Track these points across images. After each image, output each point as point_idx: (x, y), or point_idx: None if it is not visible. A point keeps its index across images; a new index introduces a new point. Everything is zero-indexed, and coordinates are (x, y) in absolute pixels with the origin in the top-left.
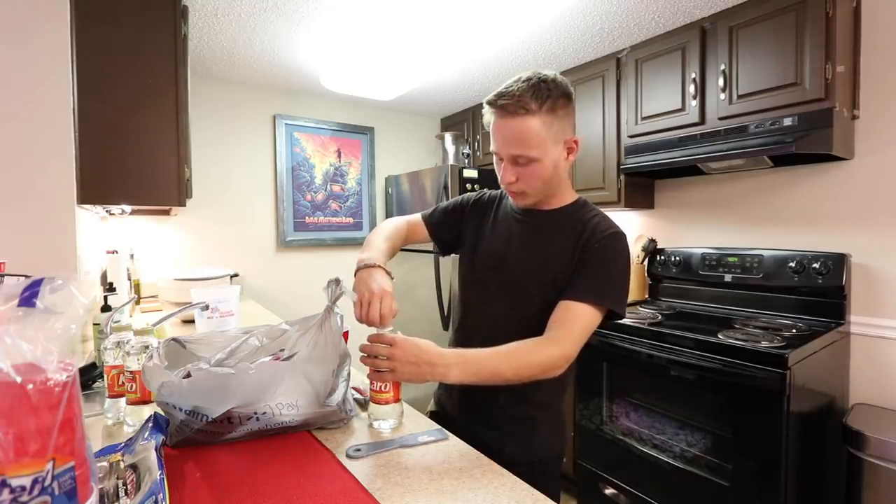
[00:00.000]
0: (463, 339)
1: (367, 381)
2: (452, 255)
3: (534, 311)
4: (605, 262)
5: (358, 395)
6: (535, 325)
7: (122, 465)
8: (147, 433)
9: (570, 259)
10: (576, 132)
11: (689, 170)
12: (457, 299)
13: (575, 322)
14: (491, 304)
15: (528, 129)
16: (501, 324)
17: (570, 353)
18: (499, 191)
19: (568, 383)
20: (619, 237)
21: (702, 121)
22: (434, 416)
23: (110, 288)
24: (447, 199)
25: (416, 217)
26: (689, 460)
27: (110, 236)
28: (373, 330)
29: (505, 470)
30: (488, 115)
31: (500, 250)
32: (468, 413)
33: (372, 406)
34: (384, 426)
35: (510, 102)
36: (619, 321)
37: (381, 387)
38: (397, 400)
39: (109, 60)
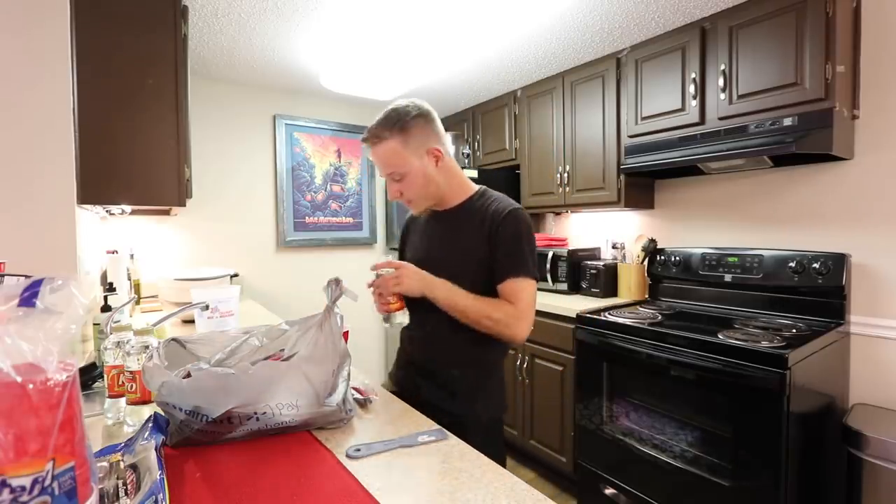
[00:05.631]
0: (412, 329)
1: (368, 381)
2: None
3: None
4: (513, 239)
5: (358, 395)
6: None
7: (122, 465)
8: (147, 433)
9: (483, 246)
10: (442, 142)
11: (689, 170)
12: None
13: (518, 295)
14: (428, 299)
15: (387, 151)
16: (438, 314)
17: (523, 314)
18: None
19: (506, 353)
20: (515, 213)
21: (702, 121)
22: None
23: (110, 288)
24: None
25: None
26: (689, 460)
27: (110, 236)
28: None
29: (505, 470)
30: (364, 150)
31: (425, 254)
32: (425, 380)
33: (386, 316)
34: (397, 319)
35: (369, 136)
36: (620, 322)
37: (390, 300)
38: (402, 306)
39: (109, 61)
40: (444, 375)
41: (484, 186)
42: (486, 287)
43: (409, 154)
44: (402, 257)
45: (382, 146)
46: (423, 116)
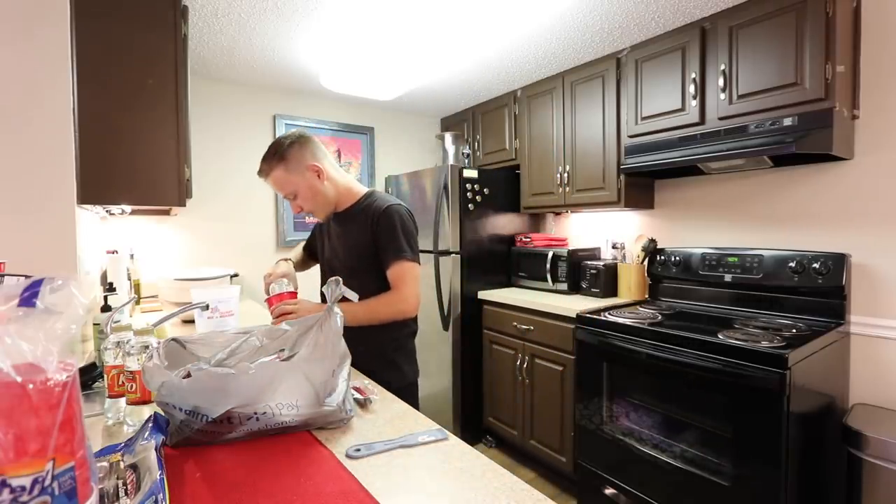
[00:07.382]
0: None
1: (367, 381)
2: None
3: (360, 279)
4: (389, 230)
5: (358, 395)
6: (363, 290)
7: (122, 465)
8: (147, 433)
9: (368, 240)
10: (319, 159)
11: (689, 170)
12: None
13: (400, 276)
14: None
15: (275, 178)
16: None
17: (405, 294)
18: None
19: (414, 330)
20: (390, 209)
21: (702, 121)
22: None
23: (110, 288)
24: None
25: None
26: (689, 460)
27: (110, 236)
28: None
29: (505, 470)
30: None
31: (332, 254)
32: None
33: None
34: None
35: (260, 171)
36: (620, 322)
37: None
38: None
39: (110, 61)
40: (357, 354)
41: (372, 189)
42: (377, 275)
43: (293, 175)
44: (311, 253)
45: (272, 176)
46: (298, 143)
